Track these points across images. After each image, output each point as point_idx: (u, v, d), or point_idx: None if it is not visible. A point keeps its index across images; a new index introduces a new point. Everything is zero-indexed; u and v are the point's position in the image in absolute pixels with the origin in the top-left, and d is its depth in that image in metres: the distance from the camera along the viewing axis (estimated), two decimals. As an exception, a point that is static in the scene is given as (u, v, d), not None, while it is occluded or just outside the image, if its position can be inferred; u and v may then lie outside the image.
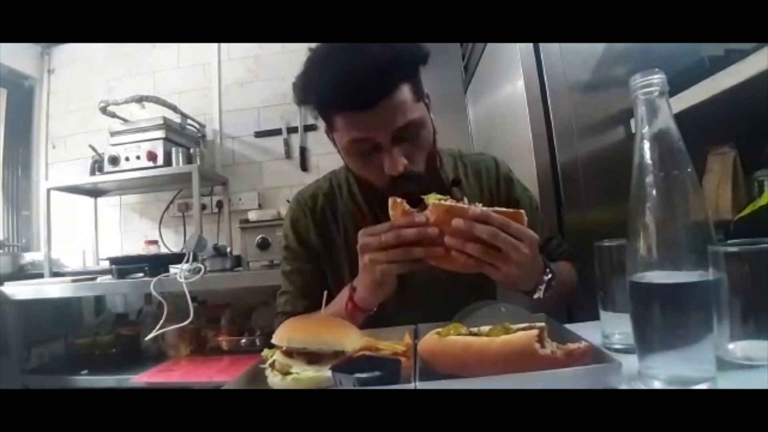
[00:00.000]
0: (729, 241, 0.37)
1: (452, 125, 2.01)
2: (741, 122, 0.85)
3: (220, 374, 1.63)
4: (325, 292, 0.70)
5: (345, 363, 0.52)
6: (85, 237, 2.40)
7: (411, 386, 0.47)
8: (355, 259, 0.70)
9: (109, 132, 2.14)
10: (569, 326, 0.63)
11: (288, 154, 2.38)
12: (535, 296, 0.70)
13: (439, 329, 0.54)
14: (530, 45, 1.08)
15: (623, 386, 0.45)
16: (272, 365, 0.57)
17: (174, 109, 2.22)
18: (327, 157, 2.27)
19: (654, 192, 0.44)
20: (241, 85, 2.45)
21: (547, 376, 0.45)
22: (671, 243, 0.44)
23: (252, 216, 1.99)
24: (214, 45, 2.46)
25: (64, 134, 2.53)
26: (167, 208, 2.42)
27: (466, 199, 0.64)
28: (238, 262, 1.97)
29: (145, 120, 2.12)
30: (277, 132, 2.39)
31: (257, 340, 1.80)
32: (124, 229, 2.48)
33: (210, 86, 2.46)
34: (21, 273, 2.08)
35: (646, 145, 0.45)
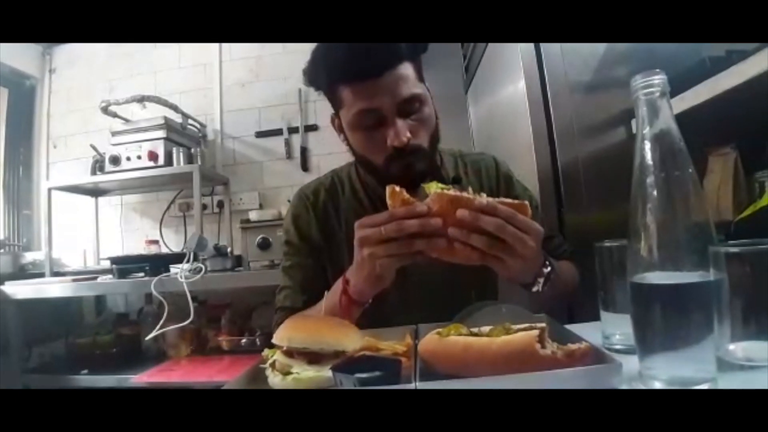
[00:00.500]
0: (730, 242, 0.37)
1: (453, 125, 2.01)
2: (742, 123, 0.85)
3: (220, 374, 1.63)
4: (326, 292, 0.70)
5: (345, 363, 0.52)
6: (85, 237, 2.40)
7: (411, 386, 0.47)
8: None
9: (110, 132, 2.14)
10: (570, 327, 0.63)
11: (289, 155, 2.38)
12: (534, 289, 0.69)
13: (440, 329, 0.54)
14: (531, 45, 1.08)
15: (624, 387, 0.45)
16: (273, 365, 0.57)
17: (175, 109, 2.22)
18: (328, 157, 2.27)
19: (655, 193, 0.44)
20: (243, 85, 2.45)
21: (547, 376, 0.45)
22: (672, 244, 0.44)
23: (253, 216, 2.00)
24: (216, 45, 2.46)
25: (65, 134, 2.53)
26: (168, 207, 2.43)
27: (470, 189, 0.62)
28: (238, 262, 1.97)
29: (146, 120, 2.13)
30: (278, 132, 2.39)
31: (258, 340, 1.80)
32: (124, 229, 2.48)
33: (211, 86, 2.47)
34: (22, 272, 2.09)
35: (647, 145, 0.45)
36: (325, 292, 0.75)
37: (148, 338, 1.72)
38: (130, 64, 2.51)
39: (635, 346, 0.46)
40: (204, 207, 2.27)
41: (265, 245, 1.89)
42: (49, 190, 2.11)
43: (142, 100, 2.16)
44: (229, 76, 2.46)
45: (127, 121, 2.21)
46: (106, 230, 2.44)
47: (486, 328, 0.53)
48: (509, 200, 0.61)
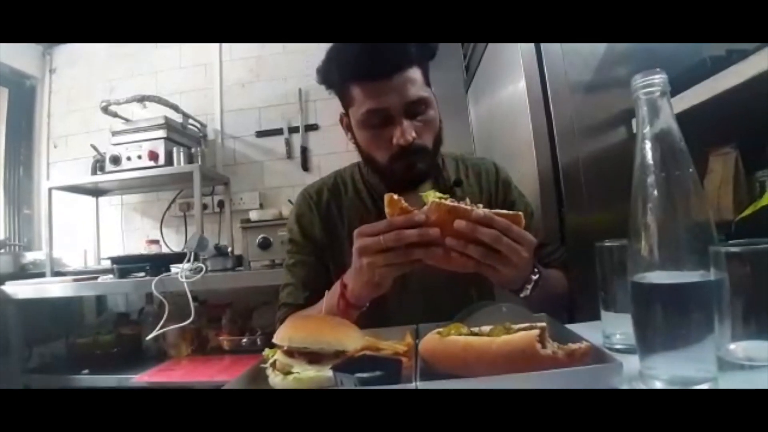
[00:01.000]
0: (730, 242, 0.37)
1: (454, 125, 2.01)
2: (743, 122, 0.85)
3: (221, 374, 1.63)
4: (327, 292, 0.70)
5: (346, 363, 0.52)
6: (86, 236, 2.40)
7: (412, 386, 0.47)
8: None
9: (110, 131, 2.14)
10: (570, 326, 0.63)
11: (289, 154, 2.38)
12: (522, 294, 0.71)
13: (440, 329, 0.54)
14: (532, 45, 1.08)
15: (624, 386, 0.45)
16: (273, 365, 0.57)
17: (175, 108, 2.22)
18: (328, 157, 2.27)
19: (655, 192, 0.44)
20: (243, 85, 2.46)
21: (548, 376, 0.44)
22: (672, 243, 0.44)
23: (253, 216, 2.00)
24: (216, 45, 2.46)
25: (66, 134, 2.54)
26: (168, 207, 2.43)
27: (468, 199, 0.63)
28: (239, 261, 1.97)
29: (147, 120, 2.13)
30: (278, 132, 2.39)
31: (258, 340, 1.81)
32: (125, 229, 2.48)
33: (211, 86, 2.47)
34: (22, 272, 2.09)
35: (648, 145, 0.45)
36: (326, 291, 0.75)
37: (148, 338, 1.72)
38: (131, 64, 2.52)
39: (636, 345, 0.46)
40: (204, 207, 2.27)
41: (265, 245, 1.89)
42: (50, 189, 2.11)
43: (142, 99, 2.16)
44: (229, 76, 2.47)
45: (127, 120, 2.21)
46: (107, 230, 2.44)
47: (486, 328, 0.53)
48: (504, 211, 0.62)
